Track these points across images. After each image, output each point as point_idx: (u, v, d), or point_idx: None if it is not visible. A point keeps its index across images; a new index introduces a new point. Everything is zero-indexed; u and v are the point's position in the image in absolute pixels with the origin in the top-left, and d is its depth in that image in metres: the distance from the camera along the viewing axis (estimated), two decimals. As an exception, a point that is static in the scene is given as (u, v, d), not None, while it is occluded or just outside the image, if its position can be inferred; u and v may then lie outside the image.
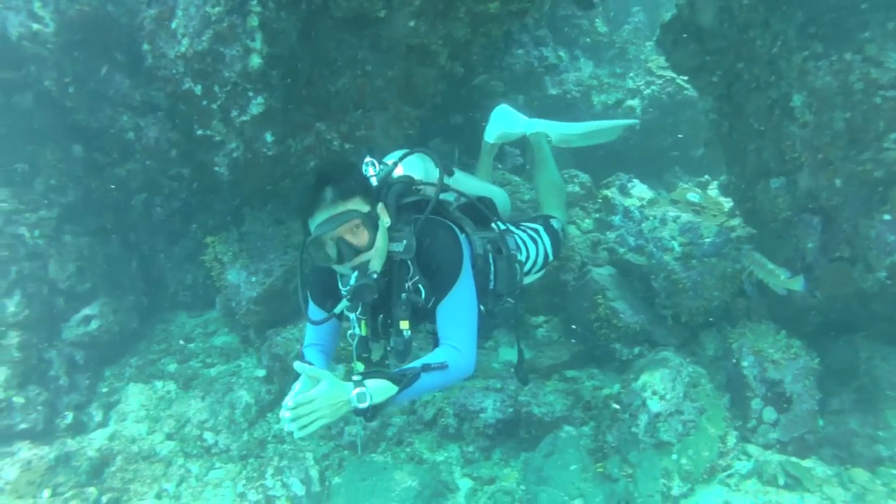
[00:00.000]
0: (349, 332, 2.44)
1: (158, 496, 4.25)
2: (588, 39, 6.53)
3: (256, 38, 3.86)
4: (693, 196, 5.30)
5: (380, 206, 2.30)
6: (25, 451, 4.43)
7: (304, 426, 1.94)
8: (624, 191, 5.21)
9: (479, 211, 2.75)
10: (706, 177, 5.94)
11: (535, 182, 4.23)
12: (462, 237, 2.46)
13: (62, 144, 4.90)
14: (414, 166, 2.76)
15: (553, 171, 4.11)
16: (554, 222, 3.54)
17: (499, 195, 3.60)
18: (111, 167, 4.89)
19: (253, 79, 3.95)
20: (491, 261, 2.63)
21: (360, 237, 2.19)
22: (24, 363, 4.53)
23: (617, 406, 3.76)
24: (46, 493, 4.23)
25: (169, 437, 4.54)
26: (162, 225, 5.32)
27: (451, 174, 2.73)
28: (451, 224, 2.49)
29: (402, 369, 2.15)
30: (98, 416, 4.70)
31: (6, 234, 4.64)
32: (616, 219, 4.93)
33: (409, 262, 2.31)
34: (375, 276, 2.21)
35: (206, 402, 4.49)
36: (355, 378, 2.04)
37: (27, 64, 4.54)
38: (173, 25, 3.99)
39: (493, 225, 2.84)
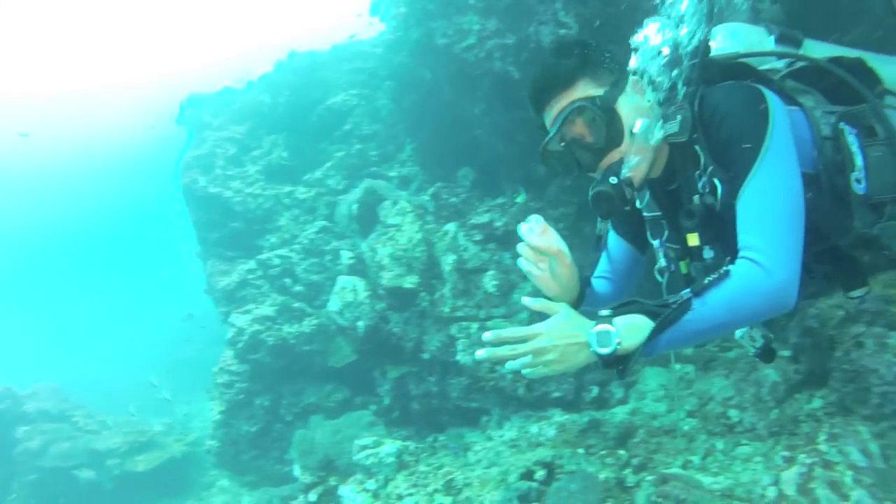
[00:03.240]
0: (656, 266, 2.15)
1: (684, 466, 5.22)
2: None
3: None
4: None
5: (631, 82, 1.95)
6: (559, 416, 5.89)
7: (533, 367, 1.64)
8: None
9: (835, 78, 2.07)
10: None
11: None
12: (770, 97, 1.84)
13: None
14: (731, 37, 2.25)
15: None
16: None
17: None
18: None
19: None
20: (855, 148, 1.92)
21: (595, 131, 1.91)
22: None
23: None
24: (581, 450, 5.56)
25: (690, 414, 5.55)
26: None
27: (795, 43, 2.21)
28: (752, 85, 1.91)
29: (666, 299, 1.71)
30: (618, 393, 5.97)
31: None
32: None
33: (697, 148, 1.90)
34: (616, 180, 1.89)
35: (730, 380, 5.41)
36: (602, 313, 1.66)
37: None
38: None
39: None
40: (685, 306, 1.63)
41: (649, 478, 5.01)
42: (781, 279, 1.65)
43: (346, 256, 7.31)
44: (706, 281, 1.67)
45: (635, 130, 1.89)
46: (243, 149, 9.90)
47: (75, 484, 10.50)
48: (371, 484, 5.75)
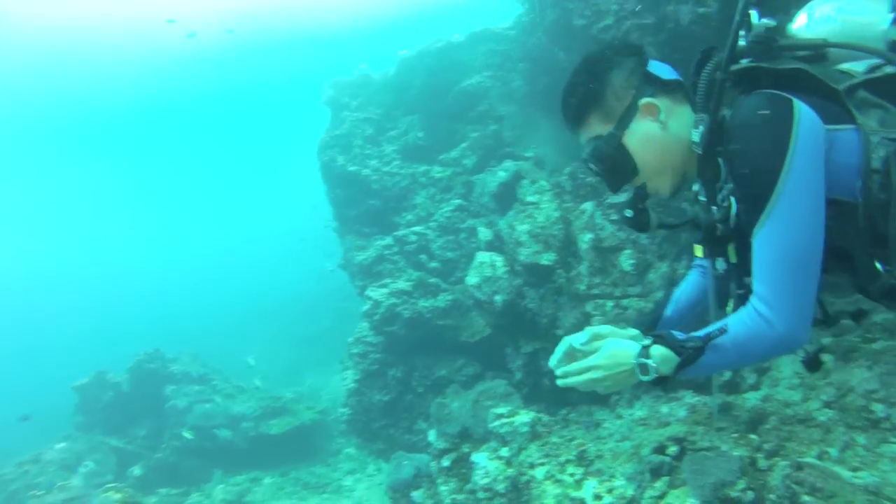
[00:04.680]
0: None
1: (819, 457, 5.33)
2: None
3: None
4: None
5: (643, 104, 2.00)
6: (690, 397, 6.13)
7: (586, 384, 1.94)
8: None
9: None
10: None
11: None
12: (801, 119, 1.72)
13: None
14: (832, 14, 2.01)
15: None
16: None
17: None
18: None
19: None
20: None
21: (605, 172, 2.10)
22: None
23: None
24: (713, 431, 5.78)
25: (827, 405, 5.65)
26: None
27: None
28: (782, 100, 1.76)
29: (686, 338, 1.85)
30: (750, 379, 6.13)
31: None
32: None
33: (720, 160, 1.89)
34: (630, 213, 2.11)
35: (874, 372, 5.46)
36: (644, 342, 1.88)
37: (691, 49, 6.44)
38: None
39: None
40: (699, 351, 1.79)
41: (783, 463, 5.14)
42: (783, 331, 1.73)
43: (483, 233, 7.74)
44: (711, 331, 1.80)
45: (657, 159, 2.03)
46: (380, 129, 10.50)
47: (215, 441, 11.52)
48: (504, 451, 6.16)
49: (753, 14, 1.91)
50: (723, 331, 1.78)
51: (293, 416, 11.95)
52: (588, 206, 6.90)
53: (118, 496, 7.02)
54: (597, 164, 2.07)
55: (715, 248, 2.03)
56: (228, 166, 50.22)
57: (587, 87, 2.07)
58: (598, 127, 2.06)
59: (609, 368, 1.88)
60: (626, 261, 6.44)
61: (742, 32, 1.91)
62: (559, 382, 1.98)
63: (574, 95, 2.10)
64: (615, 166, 2.05)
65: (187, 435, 11.37)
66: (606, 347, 1.91)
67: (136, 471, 11.14)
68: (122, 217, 49.37)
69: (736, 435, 5.60)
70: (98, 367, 13.19)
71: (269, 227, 39.01)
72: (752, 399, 6.00)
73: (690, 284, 2.44)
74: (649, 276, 6.39)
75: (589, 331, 1.99)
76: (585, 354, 1.95)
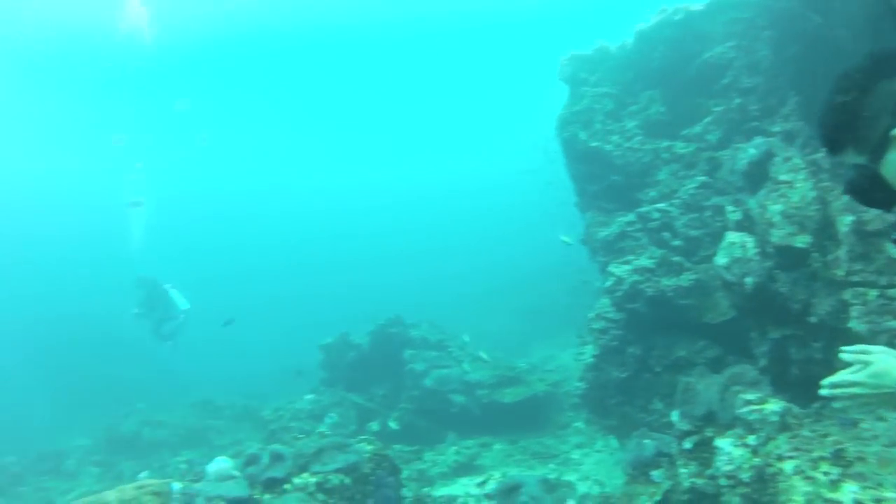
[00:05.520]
0: None
1: None
2: None
3: None
4: None
5: (894, 134, 1.89)
6: None
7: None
8: None
9: None
10: None
11: None
12: None
13: None
14: None
15: None
16: None
17: None
18: None
19: None
20: None
21: (867, 202, 2.09)
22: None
23: None
24: None
25: None
26: None
27: None
28: None
29: None
30: None
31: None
32: None
33: None
34: None
35: None
36: None
37: None
38: None
39: None
40: None
41: None
42: None
43: (732, 212, 7.59)
44: None
45: None
46: (620, 104, 10.47)
47: (451, 405, 12.29)
48: (752, 440, 6.04)
49: None
50: None
51: (526, 387, 12.45)
52: (849, 185, 6.53)
53: (370, 447, 7.76)
54: (853, 196, 2.05)
55: None
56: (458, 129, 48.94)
57: (841, 115, 2.00)
58: (853, 155, 2.00)
59: (872, 388, 1.93)
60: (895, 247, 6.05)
61: None
62: (823, 392, 2.04)
63: (826, 125, 2.04)
64: (874, 198, 2.02)
65: (393, 425, 12.22)
66: (875, 365, 1.95)
67: (374, 426, 12.21)
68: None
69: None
70: (340, 329, 14.49)
71: (496, 193, 38.67)
72: None
73: None
74: (927, 265, 5.97)
75: (861, 346, 2.03)
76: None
